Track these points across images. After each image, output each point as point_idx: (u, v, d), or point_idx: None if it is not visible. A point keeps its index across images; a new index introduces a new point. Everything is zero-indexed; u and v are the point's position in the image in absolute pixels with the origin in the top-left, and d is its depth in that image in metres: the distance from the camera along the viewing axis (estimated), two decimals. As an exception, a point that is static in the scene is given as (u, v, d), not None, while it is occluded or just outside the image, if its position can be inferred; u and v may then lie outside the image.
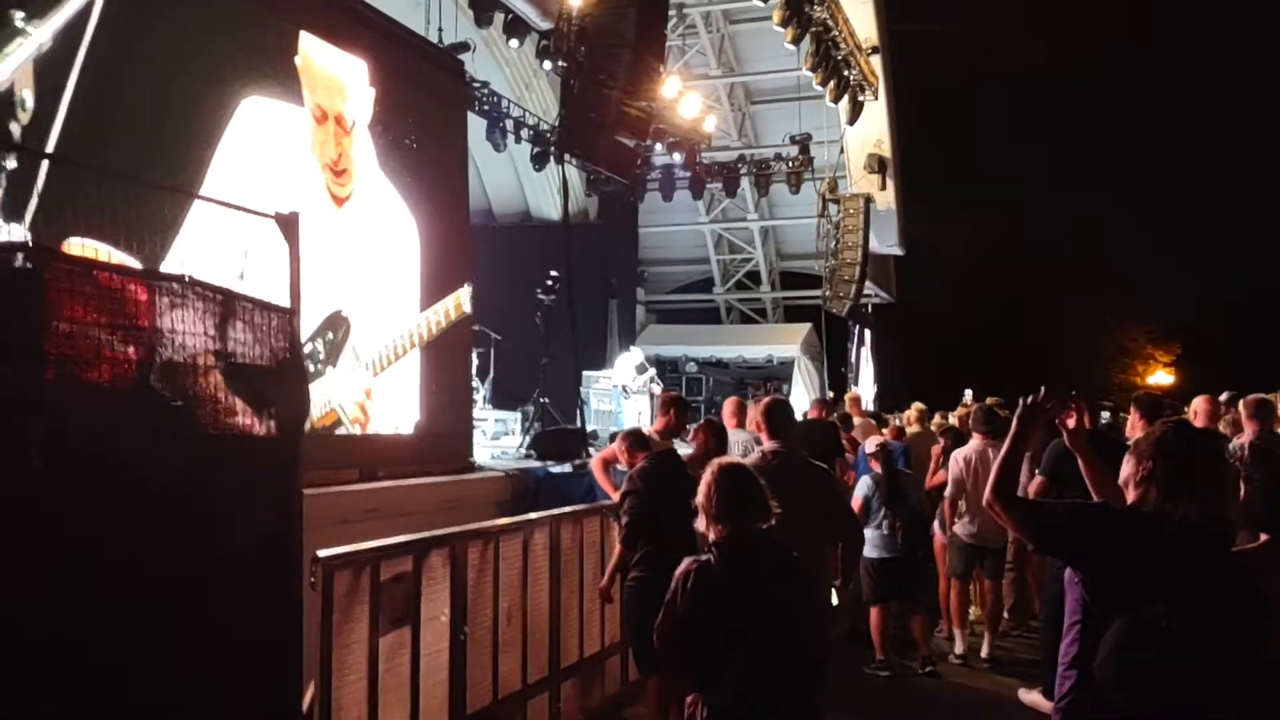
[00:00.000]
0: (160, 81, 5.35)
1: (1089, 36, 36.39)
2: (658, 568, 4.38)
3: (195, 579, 2.83)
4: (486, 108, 13.73)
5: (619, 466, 6.08)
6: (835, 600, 4.85)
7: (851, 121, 16.60)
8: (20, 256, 2.54)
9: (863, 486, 6.96)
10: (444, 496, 6.88)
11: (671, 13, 13.74)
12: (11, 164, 4.41)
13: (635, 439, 5.64)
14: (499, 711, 4.90)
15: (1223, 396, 6.97)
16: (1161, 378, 36.70)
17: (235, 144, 5.82)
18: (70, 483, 2.52)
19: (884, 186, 18.13)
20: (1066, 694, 2.78)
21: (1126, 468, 2.72)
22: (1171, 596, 2.47)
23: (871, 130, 17.59)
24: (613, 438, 8.25)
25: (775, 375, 19.97)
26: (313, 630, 3.60)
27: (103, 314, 2.59)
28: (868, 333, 20.98)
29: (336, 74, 6.88)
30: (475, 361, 10.29)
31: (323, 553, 3.77)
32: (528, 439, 9.66)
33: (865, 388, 19.87)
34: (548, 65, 12.88)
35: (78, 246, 4.27)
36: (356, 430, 6.93)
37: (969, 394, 13.91)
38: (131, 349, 2.67)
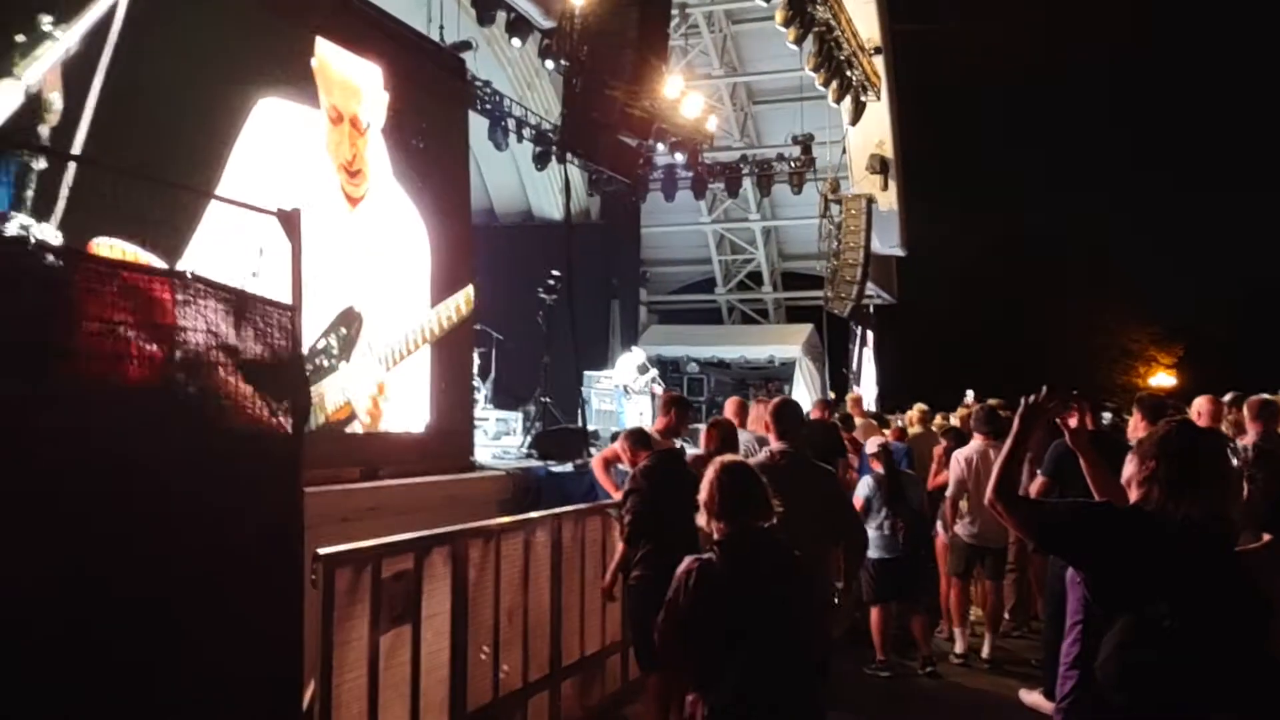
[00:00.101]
0: (180, 83, 5.47)
1: (1089, 36, 36.42)
2: (660, 566, 4.38)
3: (196, 576, 2.83)
4: (488, 107, 13.73)
5: (620, 466, 6.08)
6: (837, 600, 4.85)
7: (854, 122, 16.59)
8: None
9: (864, 487, 6.95)
10: (445, 495, 6.88)
11: (674, 12, 13.73)
12: (41, 164, 4.55)
13: (637, 438, 5.64)
14: (499, 710, 4.90)
15: (1226, 397, 6.96)
16: (1163, 379, 36.68)
17: (252, 143, 5.93)
18: (70, 483, 2.52)
19: (886, 187, 18.12)
20: (1068, 694, 2.77)
21: (1129, 467, 2.71)
22: (1174, 596, 2.47)
23: (873, 131, 17.58)
24: (614, 437, 8.25)
25: (777, 376, 19.96)
26: (313, 627, 3.60)
27: (119, 311, 2.60)
28: (869, 334, 20.96)
29: (352, 77, 7.01)
30: (477, 361, 10.30)
31: (324, 550, 3.77)
32: (529, 438, 9.66)
33: (867, 388, 19.86)
34: (550, 64, 12.88)
35: (105, 246, 4.58)
36: (369, 421, 7.04)
37: (970, 395, 13.90)
38: (133, 346, 2.68)
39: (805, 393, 18.34)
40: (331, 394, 6.63)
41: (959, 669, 7.03)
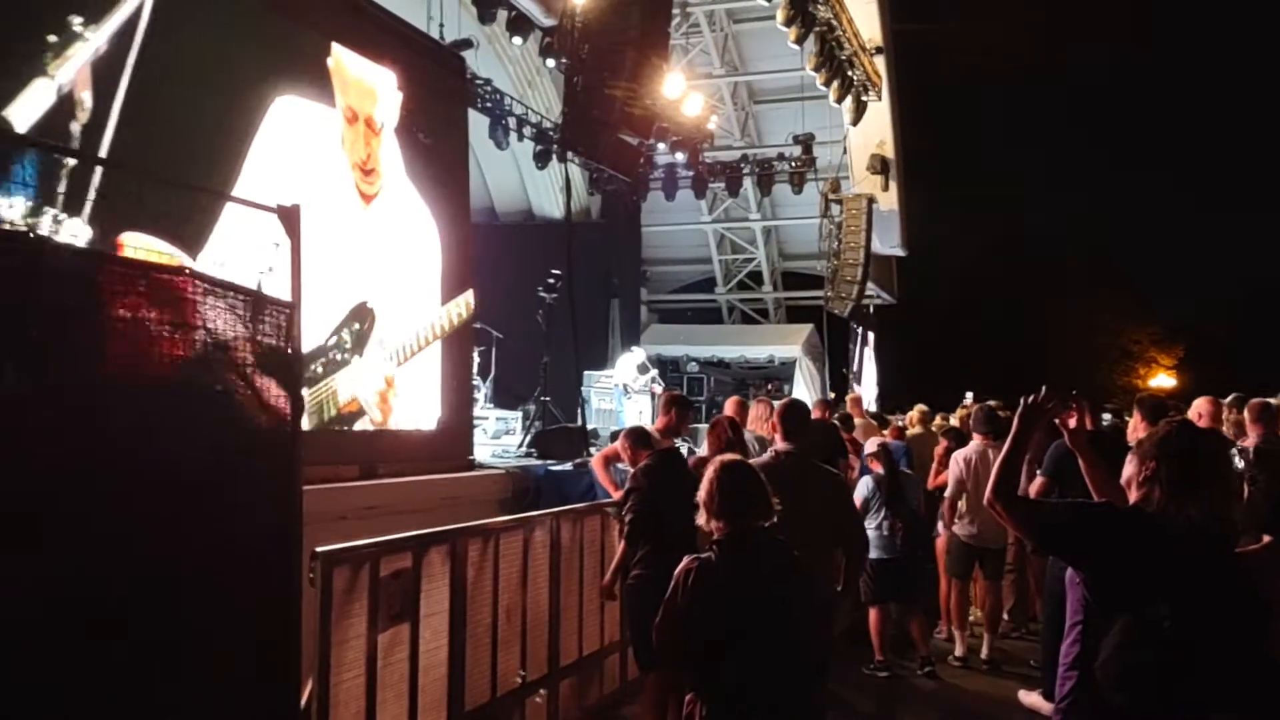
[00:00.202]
0: (201, 81, 5.67)
1: (1089, 36, 36.41)
2: (660, 566, 4.38)
3: (194, 574, 2.82)
4: (489, 105, 13.71)
5: (620, 465, 6.08)
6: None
7: (855, 122, 16.57)
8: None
9: (863, 487, 6.95)
10: (444, 494, 6.88)
11: (675, 11, 13.70)
12: (72, 162, 4.73)
13: (637, 437, 5.63)
14: (497, 709, 4.90)
15: (1228, 398, 6.96)
16: (1164, 380, 36.68)
17: (269, 140, 6.10)
18: (68, 482, 2.51)
19: (886, 187, 18.11)
20: (1067, 695, 2.76)
21: (1129, 468, 2.71)
22: (1174, 597, 2.46)
23: (874, 131, 17.56)
24: (614, 436, 8.25)
25: (777, 375, 19.96)
26: (311, 626, 3.59)
27: (117, 308, 2.60)
28: (870, 334, 20.96)
29: (367, 78, 7.19)
30: (477, 360, 10.29)
31: (322, 549, 3.77)
32: (528, 437, 9.66)
33: (867, 389, 19.86)
34: (551, 63, 12.87)
35: (131, 240, 4.81)
36: (380, 418, 7.16)
37: (969, 396, 13.89)
38: (131, 343, 2.67)
39: (805, 393, 18.33)
40: (344, 388, 6.76)
41: (958, 670, 7.02)
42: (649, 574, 4.77)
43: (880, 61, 16.48)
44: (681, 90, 12.53)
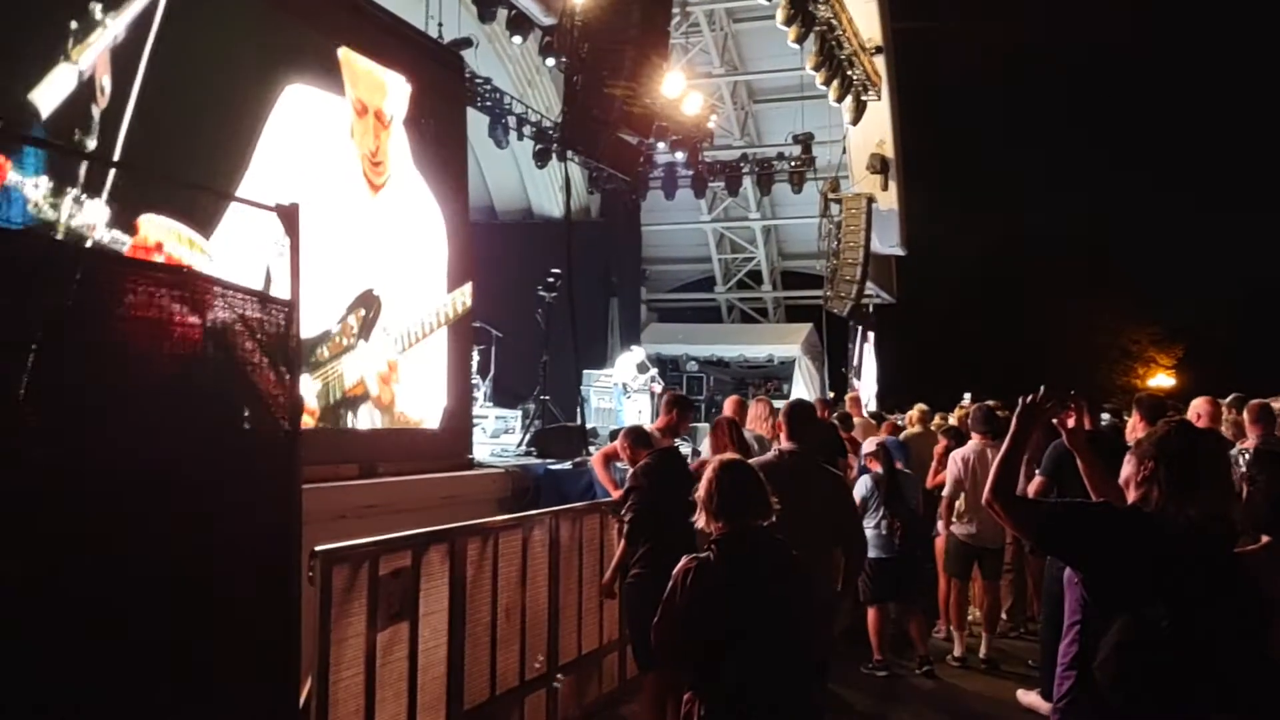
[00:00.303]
0: (215, 68, 5.86)
1: (1089, 36, 36.40)
2: (659, 565, 4.38)
3: (193, 573, 2.82)
4: (489, 104, 13.70)
5: (619, 464, 6.08)
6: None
7: (854, 121, 16.56)
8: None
9: (861, 486, 6.95)
10: (443, 493, 6.88)
11: (675, 10, 13.69)
12: (92, 144, 4.96)
13: (636, 436, 5.63)
14: (496, 708, 4.90)
15: (1228, 399, 6.96)
16: (1163, 380, 36.67)
17: (280, 127, 6.27)
18: (65, 481, 2.51)
19: (886, 187, 18.10)
20: (1065, 694, 2.76)
21: (1128, 468, 2.71)
22: (1172, 597, 2.46)
23: (874, 130, 17.55)
24: (613, 435, 8.25)
25: (776, 375, 19.97)
26: (310, 624, 3.59)
27: (115, 306, 2.60)
28: (869, 340, 20.95)
29: (376, 71, 7.33)
30: (476, 359, 10.29)
31: (321, 547, 3.77)
32: (528, 436, 9.66)
33: (867, 384, 19.87)
34: (550, 62, 12.85)
35: (148, 221, 5.08)
36: (385, 401, 7.27)
37: (967, 397, 13.89)
38: (129, 342, 2.67)
39: (804, 392, 18.35)
40: (349, 372, 6.88)
41: (956, 669, 7.02)
42: (648, 573, 4.78)
43: (880, 61, 16.46)
44: (681, 89, 12.52)
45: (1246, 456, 5.28)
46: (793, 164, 17.83)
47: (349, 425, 6.93)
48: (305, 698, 3.67)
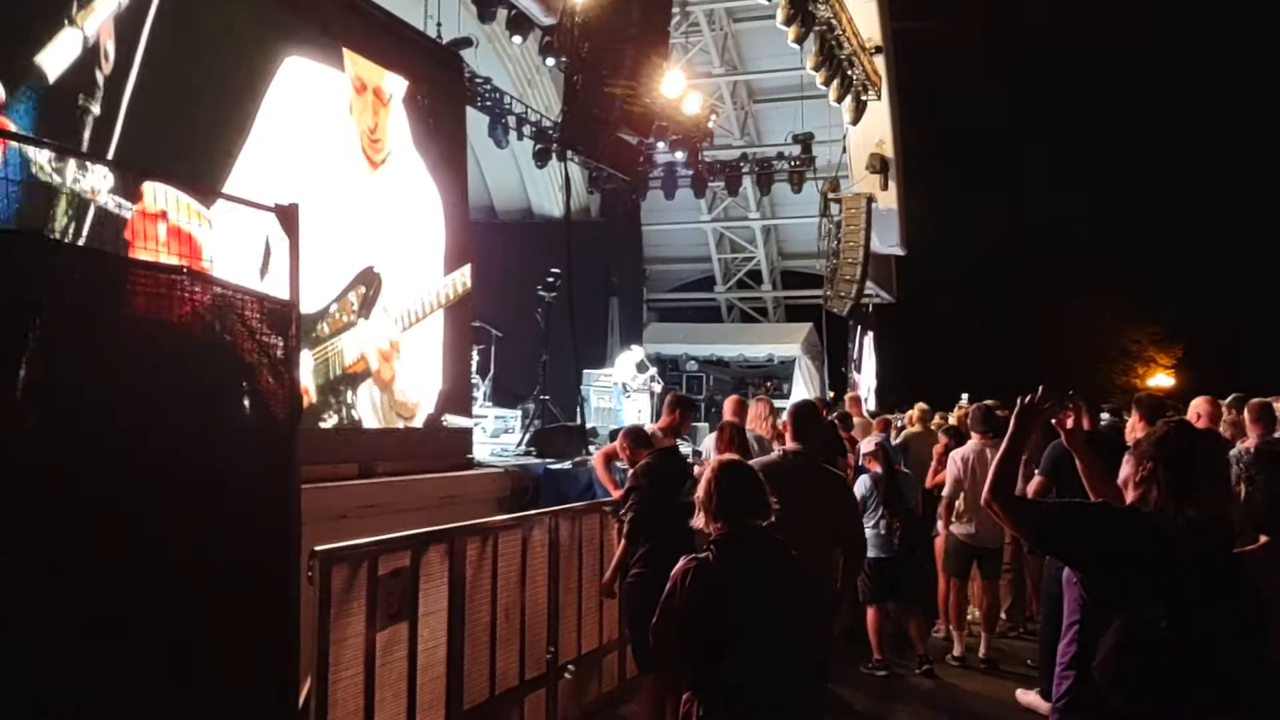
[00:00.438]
0: (216, 37, 5.89)
1: (1090, 36, 36.41)
2: (659, 565, 4.38)
3: (192, 573, 2.82)
4: (489, 104, 13.70)
5: (619, 464, 6.08)
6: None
7: (854, 121, 16.56)
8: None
9: (860, 486, 6.95)
10: (442, 492, 6.88)
11: (675, 10, 13.69)
12: (97, 110, 4.97)
13: (636, 436, 5.64)
14: (496, 707, 4.90)
15: (1228, 398, 6.96)
16: (1163, 380, 36.67)
17: (279, 99, 6.29)
18: (63, 481, 2.51)
19: (885, 186, 18.09)
20: (1064, 694, 2.76)
21: (1127, 468, 2.71)
22: (1171, 597, 2.46)
23: (873, 130, 17.55)
24: (613, 435, 8.25)
25: (776, 374, 19.95)
26: (309, 624, 3.59)
27: (114, 304, 2.60)
28: (869, 333, 20.96)
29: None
30: (476, 358, 10.28)
31: (320, 547, 3.77)
32: (527, 436, 9.66)
33: (866, 379, 19.87)
34: (550, 61, 12.84)
35: (151, 188, 5.05)
36: (386, 377, 7.29)
37: (965, 398, 13.89)
38: (128, 340, 2.67)
39: (804, 392, 18.35)
40: (350, 348, 6.89)
41: (955, 669, 7.03)
42: (648, 573, 4.78)
43: (880, 61, 16.47)
44: (681, 89, 12.51)
45: (1247, 456, 5.29)
46: (792, 164, 17.82)
47: (348, 402, 6.91)
48: (304, 697, 3.68)
